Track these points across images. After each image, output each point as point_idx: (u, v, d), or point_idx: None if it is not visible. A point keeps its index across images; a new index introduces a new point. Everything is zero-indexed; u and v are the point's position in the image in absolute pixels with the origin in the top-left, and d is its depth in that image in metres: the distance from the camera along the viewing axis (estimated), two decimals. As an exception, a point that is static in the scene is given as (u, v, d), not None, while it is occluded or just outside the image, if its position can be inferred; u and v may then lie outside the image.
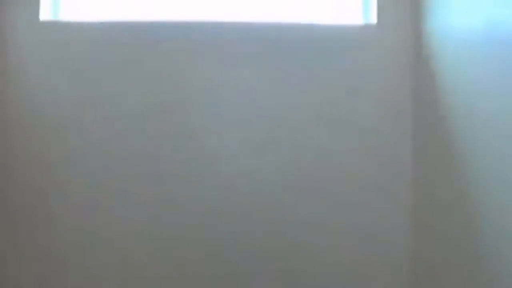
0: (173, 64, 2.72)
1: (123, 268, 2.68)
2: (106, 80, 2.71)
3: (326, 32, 2.75)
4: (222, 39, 2.73)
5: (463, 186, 2.20)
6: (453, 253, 2.28)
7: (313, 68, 2.74)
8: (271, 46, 2.74)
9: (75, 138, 2.70)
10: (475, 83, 2.14)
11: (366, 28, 2.78)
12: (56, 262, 2.68)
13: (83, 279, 2.68)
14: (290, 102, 2.73)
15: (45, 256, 2.68)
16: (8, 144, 2.69)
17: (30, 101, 2.70)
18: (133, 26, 2.73)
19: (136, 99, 2.71)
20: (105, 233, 2.69)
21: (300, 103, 2.74)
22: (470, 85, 2.18)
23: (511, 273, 1.80)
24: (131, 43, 2.72)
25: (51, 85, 2.71)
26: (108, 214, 2.69)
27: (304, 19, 2.83)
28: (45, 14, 2.76)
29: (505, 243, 1.86)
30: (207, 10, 2.84)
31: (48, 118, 2.70)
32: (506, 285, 1.84)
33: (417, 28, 2.72)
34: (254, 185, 2.71)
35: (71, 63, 2.71)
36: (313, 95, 2.74)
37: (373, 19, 2.77)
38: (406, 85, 2.75)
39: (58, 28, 2.73)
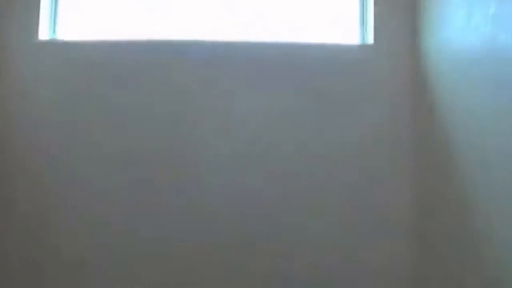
0: (169, 81, 2.72)
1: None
2: (104, 97, 2.72)
3: (323, 52, 2.77)
4: (219, 58, 2.74)
5: (462, 205, 2.19)
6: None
7: (310, 87, 2.75)
8: (268, 65, 2.75)
9: (72, 150, 2.69)
10: (472, 100, 2.14)
11: (363, 48, 2.80)
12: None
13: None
14: (285, 121, 2.73)
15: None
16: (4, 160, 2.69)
17: (29, 118, 2.70)
18: (131, 45, 2.74)
19: (133, 114, 2.71)
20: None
21: (296, 121, 2.73)
22: (468, 102, 2.18)
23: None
24: (129, 61, 2.73)
25: (49, 102, 2.71)
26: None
27: (301, 38, 2.84)
28: (44, 33, 2.78)
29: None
30: (205, 29, 2.86)
31: (46, 133, 2.70)
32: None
33: (414, 47, 2.74)
34: (250, 196, 2.71)
35: (70, 81, 2.72)
36: (310, 114, 2.74)
37: (370, 39, 2.79)
38: (404, 104, 2.75)
39: (57, 47, 2.75)
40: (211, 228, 2.69)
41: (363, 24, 2.85)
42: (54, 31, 2.83)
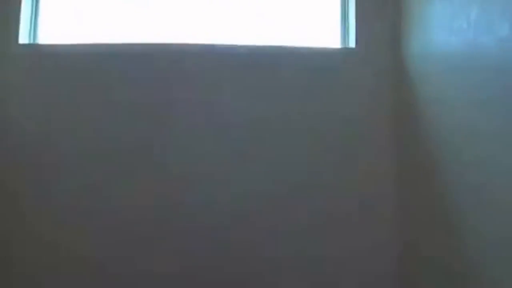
0: (150, 83, 2.71)
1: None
2: (84, 100, 2.69)
3: (305, 55, 2.79)
4: (202, 61, 2.74)
5: (444, 203, 2.24)
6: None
7: (292, 89, 2.77)
8: (250, 68, 2.76)
9: (52, 151, 2.66)
10: (454, 102, 2.19)
11: (345, 51, 2.83)
12: None
13: None
14: (267, 122, 2.74)
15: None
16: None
17: (8, 120, 2.65)
18: (111, 47, 2.72)
19: (113, 115, 2.69)
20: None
21: (277, 122, 2.75)
22: (449, 102, 2.23)
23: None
24: (109, 63, 2.70)
25: (29, 106, 2.67)
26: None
27: (284, 42, 2.86)
28: (24, 37, 2.74)
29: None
30: (188, 32, 2.86)
31: (26, 136, 2.66)
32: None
33: (396, 51, 2.78)
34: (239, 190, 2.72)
35: (50, 84, 2.68)
36: (292, 116, 2.76)
37: (352, 42, 2.82)
38: (386, 106, 2.79)
39: (37, 50, 2.71)
40: (196, 218, 2.69)
41: (345, 28, 2.89)
42: (34, 35, 2.80)
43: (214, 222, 2.69)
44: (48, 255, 2.63)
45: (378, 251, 2.73)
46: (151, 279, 2.65)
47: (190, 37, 2.85)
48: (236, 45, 2.78)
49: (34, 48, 2.73)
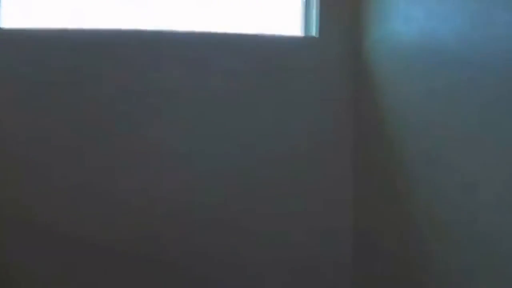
0: (116, 67, 2.73)
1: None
2: (53, 86, 2.68)
3: (267, 43, 2.87)
4: (161, 47, 2.77)
5: (401, 192, 2.38)
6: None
7: (253, 76, 2.85)
8: (212, 55, 2.81)
9: (22, 138, 2.65)
10: (411, 90, 2.33)
11: (306, 39, 2.93)
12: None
13: None
14: (228, 110, 2.82)
15: None
16: None
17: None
18: (76, 33, 2.71)
19: (80, 100, 2.70)
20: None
21: (238, 109, 2.83)
22: (406, 91, 2.36)
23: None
24: (75, 49, 2.70)
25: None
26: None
27: (247, 29, 2.93)
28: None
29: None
30: (149, 18, 2.87)
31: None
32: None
33: (357, 40, 2.90)
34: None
35: (14, 70, 2.65)
36: (253, 103, 2.84)
37: (313, 31, 2.93)
38: (346, 94, 2.92)
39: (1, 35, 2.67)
40: (167, 212, 2.77)
41: (307, 17, 2.99)
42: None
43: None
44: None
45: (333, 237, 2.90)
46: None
47: (151, 24, 2.87)
48: (197, 32, 2.81)
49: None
